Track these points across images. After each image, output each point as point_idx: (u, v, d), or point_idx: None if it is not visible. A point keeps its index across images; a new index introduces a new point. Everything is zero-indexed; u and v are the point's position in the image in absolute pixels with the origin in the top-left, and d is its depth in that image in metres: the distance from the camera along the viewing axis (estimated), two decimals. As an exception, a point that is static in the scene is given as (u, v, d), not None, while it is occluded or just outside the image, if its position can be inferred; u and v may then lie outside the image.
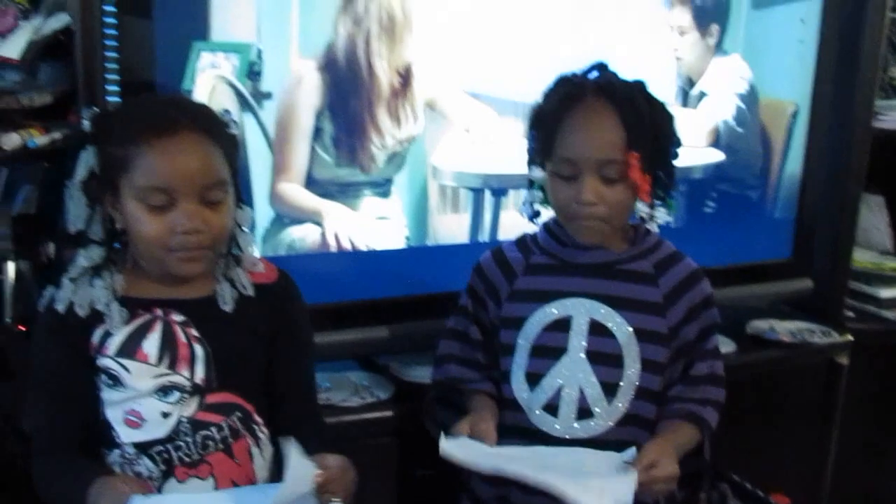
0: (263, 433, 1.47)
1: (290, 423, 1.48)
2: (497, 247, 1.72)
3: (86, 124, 1.39)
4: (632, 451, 1.50)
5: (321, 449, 1.39)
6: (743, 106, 2.33)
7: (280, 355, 1.49)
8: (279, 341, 1.48)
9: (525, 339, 1.62)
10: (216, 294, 1.43)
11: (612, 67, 1.62)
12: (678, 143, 1.60)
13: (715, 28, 2.26)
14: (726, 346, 2.27)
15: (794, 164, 2.45)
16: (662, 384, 1.62)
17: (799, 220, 2.48)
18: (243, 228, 1.46)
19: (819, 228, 2.51)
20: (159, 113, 1.36)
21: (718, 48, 2.28)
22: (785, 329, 2.40)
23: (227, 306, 1.42)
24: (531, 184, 1.64)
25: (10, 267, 1.69)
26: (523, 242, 1.70)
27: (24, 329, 1.70)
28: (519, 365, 1.63)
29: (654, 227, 1.64)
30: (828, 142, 2.46)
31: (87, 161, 1.38)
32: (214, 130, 1.38)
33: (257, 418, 1.46)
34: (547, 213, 1.67)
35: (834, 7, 2.39)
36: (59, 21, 1.71)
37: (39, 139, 1.66)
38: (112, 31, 1.66)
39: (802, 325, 2.44)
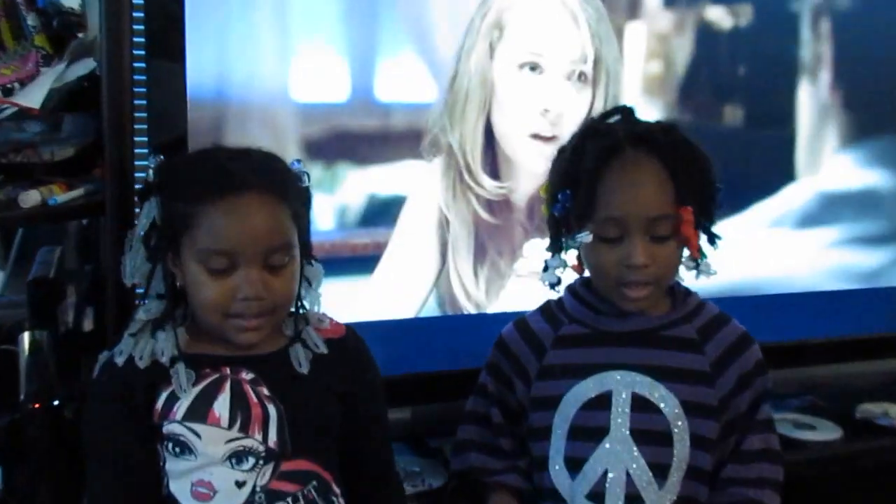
0: None
1: (369, 494, 1.50)
2: (520, 318, 1.69)
3: (150, 174, 1.41)
4: None
5: None
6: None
7: (357, 417, 1.49)
8: (355, 400, 1.49)
9: (561, 420, 1.60)
10: (288, 353, 1.44)
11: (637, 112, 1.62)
12: (719, 189, 1.59)
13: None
14: (832, 431, 2.20)
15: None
16: (714, 462, 1.59)
17: (918, 287, 2.40)
18: (311, 285, 1.47)
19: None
20: (225, 169, 1.37)
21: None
22: (900, 415, 2.31)
23: (303, 368, 1.43)
24: (557, 248, 1.61)
25: (26, 337, 1.69)
26: (549, 312, 1.67)
27: (38, 407, 1.68)
28: (557, 449, 1.60)
29: (706, 275, 1.60)
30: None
31: (149, 213, 1.39)
32: (283, 188, 1.39)
33: (336, 489, 1.45)
34: (566, 279, 1.66)
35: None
36: (84, 67, 1.72)
37: (61, 196, 1.66)
38: (142, 78, 1.67)
39: (921, 411, 2.33)
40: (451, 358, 1.95)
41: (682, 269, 1.62)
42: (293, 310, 1.46)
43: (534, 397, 1.63)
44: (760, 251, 2.25)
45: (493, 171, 2.00)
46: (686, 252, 1.59)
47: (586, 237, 1.55)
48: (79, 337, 1.83)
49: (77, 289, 1.87)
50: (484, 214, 1.99)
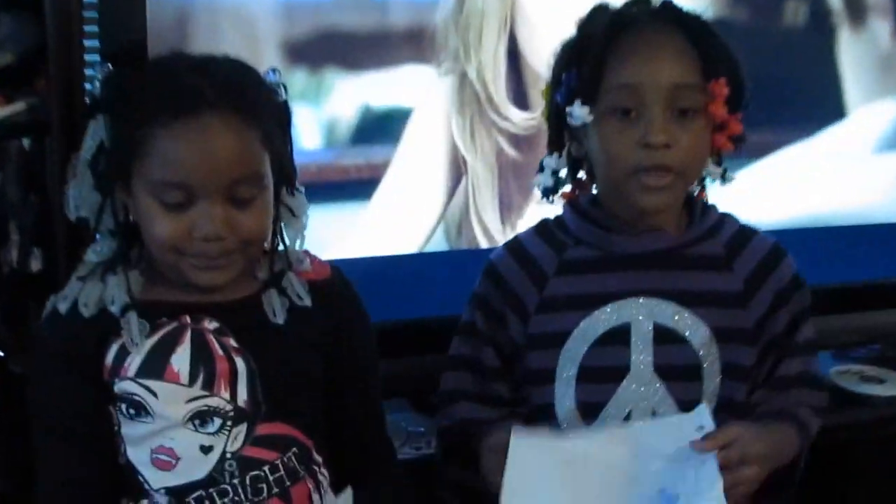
0: (324, 476, 1.42)
1: (355, 460, 1.47)
2: (513, 241, 1.61)
3: (97, 87, 1.34)
4: (702, 411, 1.42)
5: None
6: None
7: (341, 374, 1.45)
8: (339, 355, 1.44)
9: (568, 361, 1.53)
10: (262, 301, 1.39)
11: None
12: (748, 94, 1.53)
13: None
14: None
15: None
16: (747, 392, 1.56)
17: None
18: (295, 215, 1.42)
19: None
20: (180, 84, 1.30)
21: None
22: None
23: (278, 318, 1.38)
24: (557, 146, 1.55)
25: (-44, 283, 1.64)
26: (548, 232, 1.60)
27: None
28: (565, 394, 1.54)
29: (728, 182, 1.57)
30: None
31: (96, 133, 1.33)
32: (251, 106, 1.32)
33: (317, 457, 1.41)
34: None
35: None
36: (22, -42, 1.63)
37: (-1, 112, 1.62)
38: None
39: None
40: (460, 300, 1.79)
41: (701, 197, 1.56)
42: (269, 248, 1.41)
43: (533, 335, 1.55)
44: (828, 178, 2.17)
45: (520, 99, 1.91)
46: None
47: (581, 110, 1.46)
48: (25, 279, 1.75)
49: (21, 223, 1.80)
50: (511, 152, 1.91)
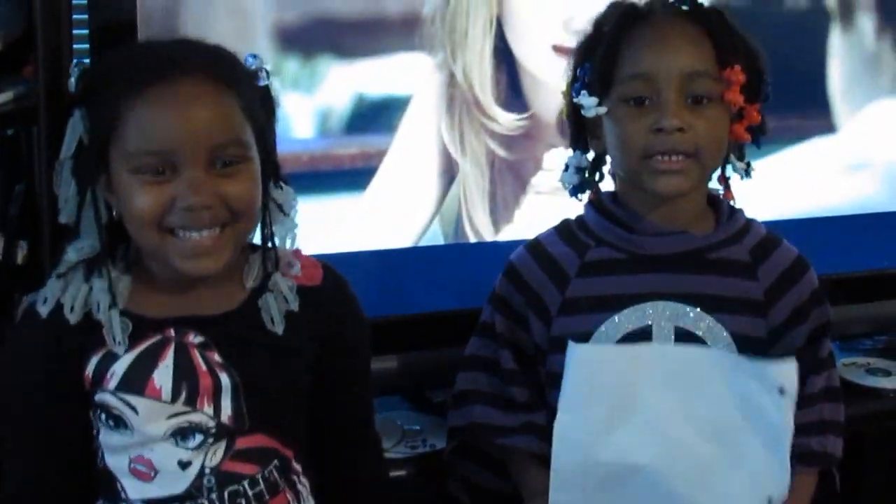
0: (304, 485, 1.43)
1: (339, 469, 1.48)
2: (533, 242, 1.63)
3: (72, 83, 1.33)
4: (790, 370, 1.50)
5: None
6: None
7: (330, 382, 1.45)
8: (329, 362, 1.43)
9: None
10: (245, 310, 1.37)
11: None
12: (768, 84, 1.56)
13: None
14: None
15: None
16: None
17: None
18: (284, 212, 1.40)
19: None
20: (156, 54, 1.31)
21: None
22: None
23: (277, 327, 1.37)
24: (578, 144, 1.60)
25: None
26: (569, 232, 1.61)
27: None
28: None
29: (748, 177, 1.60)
30: None
31: (75, 130, 1.31)
32: (230, 75, 1.31)
33: (296, 466, 1.41)
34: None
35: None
36: (8, -60, 1.62)
37: (-15, 100, 1.59)
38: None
39: None
40: (458, 295, 1.88)
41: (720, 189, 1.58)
42: (259, 244, 1.38)
43: (555, 336, 1.56)
44: (832, 167, 2.18)
45: (510, 100, 1.92)
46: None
47: (590, 100, 1.50)
48: (10, 272, 1.71)
49: (6, 214, 1.77)
50: (501, 152, 1.93)
